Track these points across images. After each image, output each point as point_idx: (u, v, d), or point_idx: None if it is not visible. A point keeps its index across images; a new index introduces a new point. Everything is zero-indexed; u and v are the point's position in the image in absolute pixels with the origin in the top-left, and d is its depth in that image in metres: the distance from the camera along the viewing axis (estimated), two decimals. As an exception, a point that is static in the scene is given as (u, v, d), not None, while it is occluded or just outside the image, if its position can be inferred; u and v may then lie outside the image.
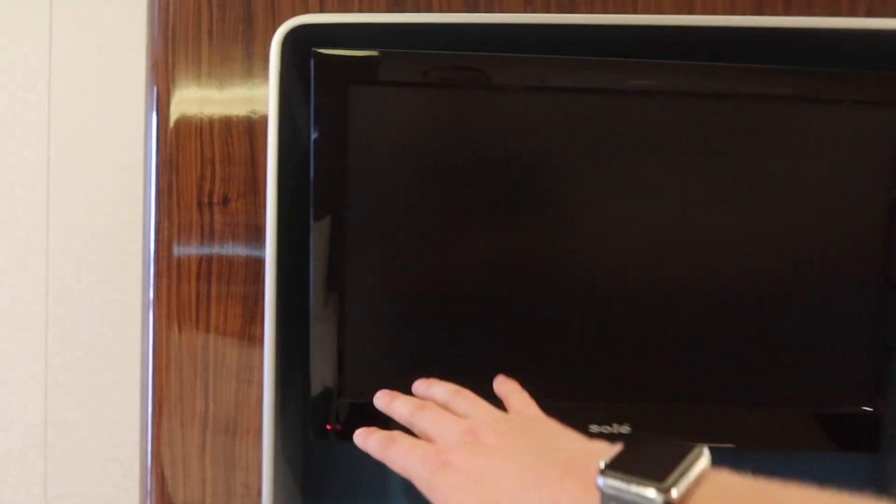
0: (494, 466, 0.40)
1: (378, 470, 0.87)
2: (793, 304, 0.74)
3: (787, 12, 0.72)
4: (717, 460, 0.87)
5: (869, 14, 0.71)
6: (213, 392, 0.75)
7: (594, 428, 0.75)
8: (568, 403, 0.75)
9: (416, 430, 0.52)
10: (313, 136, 0.70)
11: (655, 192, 0.73)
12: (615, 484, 0.32)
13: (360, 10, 0.73)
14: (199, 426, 0.75)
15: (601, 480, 0.32)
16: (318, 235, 0.71)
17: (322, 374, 0.74)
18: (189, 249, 0.75)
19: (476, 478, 0.39)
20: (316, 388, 0.74)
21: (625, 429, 0.74)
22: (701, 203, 0.73)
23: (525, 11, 0.72)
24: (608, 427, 0.75)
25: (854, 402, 0.76)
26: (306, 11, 0.73)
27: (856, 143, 0.72)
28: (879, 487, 0.85)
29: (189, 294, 0.75)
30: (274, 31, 0.72)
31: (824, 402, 0.76)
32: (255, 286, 0.74)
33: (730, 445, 0.75)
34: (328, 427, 0.75)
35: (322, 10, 0.73)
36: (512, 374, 0.75)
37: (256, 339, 0.74)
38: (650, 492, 0.31)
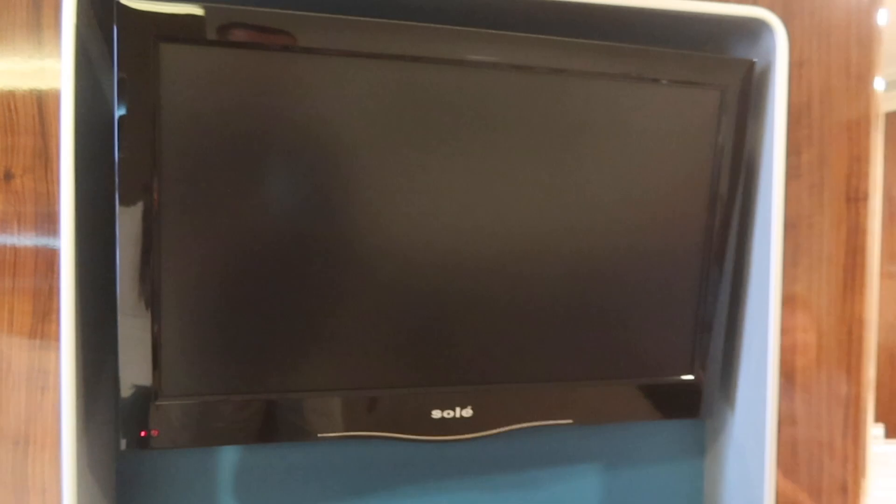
0: None
1: (201, 474, 0.79)
2: (619, 283, 0.76)
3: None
4: (558, 435, 0.89)
5: (690, -1, 0.74)
6: (-3, 403, 0.64)
7: (437, 413, 0.72)
8: (409, 391, 0.72)
9: None
10: (117, 102, 0.61)
11: (480, 170, 0.71)
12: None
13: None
14: (-20, 444, 0.64)
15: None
16: (125, 219, 0.62)
17: (134, 374, 0.65)
18: (-39, 235, 0.63)
19: None
20: (127, 391, 0.65)
21: (467, 412, 0.73)
22: (528, 183, 0.73)
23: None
24: (451, 411, 0.72)
25: (677, 373, 0.80)
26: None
27: (679, 123, 0.75)
28: (700, 450, 0.91)
29: (-38, 288, 0.63)
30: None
31: (651, 374, 0.79)
32: (47, 279, 0.63)
33: (568, 421, 0.76)
34: (143, 434, 0.66)
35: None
36: (345, 366, 0.70)
37: (51, 340, 0.63)
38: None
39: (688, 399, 0.81)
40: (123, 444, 0.66)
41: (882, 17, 0.76)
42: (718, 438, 0.86)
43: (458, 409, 0.72)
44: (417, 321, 0.72)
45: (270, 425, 0.69)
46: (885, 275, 3.30)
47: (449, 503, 0.85)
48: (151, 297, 0.64)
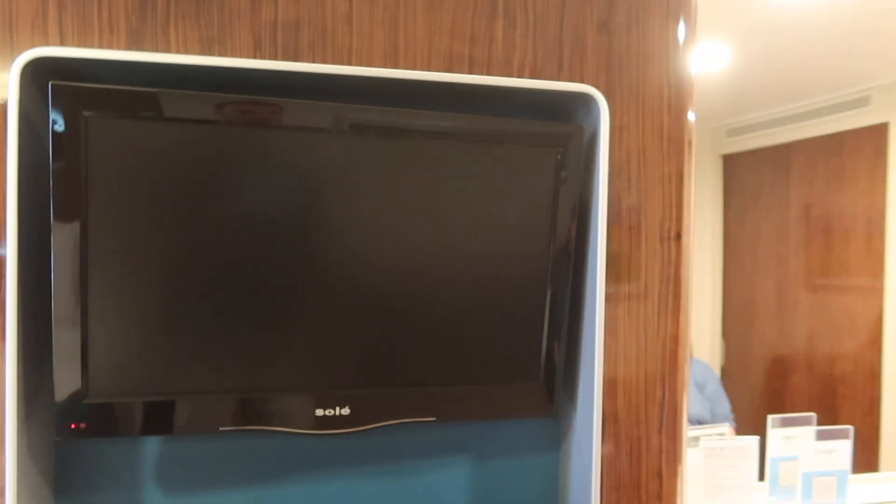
0: None
1: (129, 463, 0.94)
2: (481, 304, 0.93)
3: (471, 71, 0.90)
4: (425, 431, 1.05)
5: (532, 76, 0.91)
6: (-47, 400, 0.79)
7: (320, 412, 0.88)
8: (298, 392, 0.89)
9: None
10: (52, 160, 0.76)
11: (376, 207, 0.88)
12: None
13: (100, 47, 0.80)
14: (-62, 434, 0.79)
15: None
16: (59, 237, 0.78)
17: (66, 375, 0.80)
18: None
19: None
20: (60, 390, 0.81)
21: (345, 410, 0.89)
22: (416, 220, 0.90)
23: (255, 57, 0.83)
24: (332, 410, 0.89)
25: (528, 377, 0.97)
26: (46, 44, 0.79)
27: (524, 176, 0.92)
28: (556, 446, 1.08)
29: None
30: (13, 61, 0.77)
31: (508, 378, 0.96)
32: (-5, 298, 0.78)
33: (432, 419, 0.93)
34: (73, 426, 0.82)
35: (62, 45, 0.79)
36: (245, 369, 0.87)
37: (-2, 349, 0.79)
38: None
39: (537, 399, 0.98)
40: (56, 434, 0.82)
41: (692, 91, 0.94)
42: (567, 435, 1.04)
43: (337, 408, 0.89)
44: (309, 333, 0.88)
45: (178, 420, 0.85)
46: (811, 288, 3.53)
47: (332, 489, 1.01)
48: (80, 313, 0.80)
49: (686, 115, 0.95)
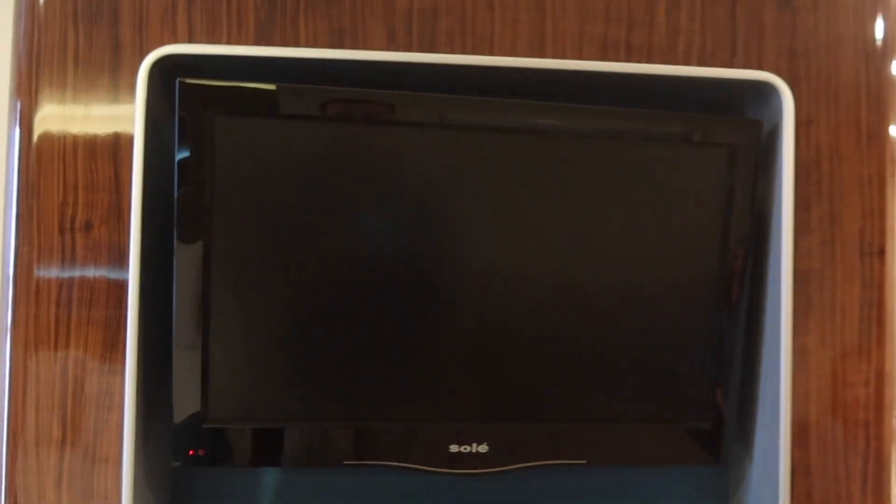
0: None
1: (245, 492, 0.87)
2: (637, 330, 0.80)
3: (628, 59, 0.78)
4: (571, 475, 0.92)
5: (700, 64, 0.79)
6: (72, 419, 0.74)
7: (454, 448, 0.78)
8: (429, 425, 0.78)
9: None
10: (178, 162, 0.71)
11: (519, 221, 0.77)
12: None
13: (229, 42, 0.75)
14: (56, 454, 0.74)
15: None
16: (181, 261, 0.72)
17: (185, 400, 0.74)
18: (49, 273, 0.74)
19: None
20: (179, 415, 0.74)
21: (483, 448, 0.78)
22: (563, 234, 0.78)
23: (388, 49, 0.76)
24: (468, 447, 0.78)
25: (693, 419, 0.82)
26: (174, 41, 0.74)
27: (692, 180, 0.79)
28: (722, 498, 0.92)
29: (48, 319, 0.74)
30: (141, 59, 0.73)
31: (667, 419, 0.82)
32: (116, 311, 0.74)
33: (582, 461, 0.80)
34: (191, 453, 0.75)
35: (190, 41, 0.74)
36: (373, 398, 0.77)
37: (118, 365, 0.74)
38: None
39: (704, 444, 0.83)
40: (174, 460, 0.75)
41: (898, 75, 0.79)
42: (739, 487, 0.87)
43: (474, 445, 0.78)
44: (443, 360, 0.78)
45: (300, 451, 0.77)
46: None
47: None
48: (203, 332, 0.74)
49: (889, 106, 0.79)
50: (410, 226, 0.76)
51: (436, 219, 0.76)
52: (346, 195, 0.74)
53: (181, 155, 0.71)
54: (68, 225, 0.74)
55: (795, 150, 0.77)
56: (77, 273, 0.74)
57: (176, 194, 0.71)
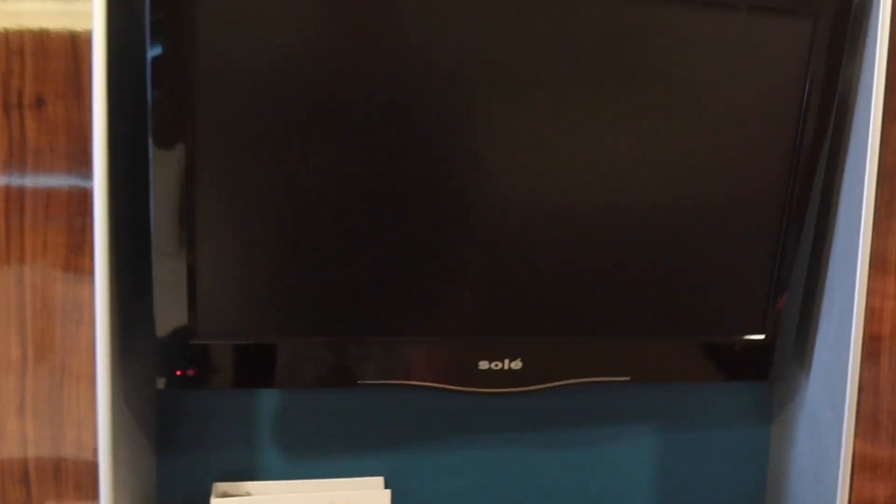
0: None
1: (243, 418, 0.77)
2: (688, 233, 0.70)
3: None
4: (613, 393, 0.84)
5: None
6: (33, 337, 0.62)
7: (483, 364, 0.68)
8: (454, 339, 0.68)
9: None
10: (150, 42, 0.57)
11: (555, 110, 0.65)
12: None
13: None
14: (17, 377, 0.63)
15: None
16: (159, 156, 0.59)
17: (169, 312, 0.63)
18: (-5, 162, 0.60)
19: None
20: (163, 329, 0.63)
21: (517, 364, 0.68)
22: (600, 123, 0.66)
23: None
24: (498, 363, 0.68)
25: (746, 331, 0.73)
26: None
27: (766, 55, 0.67)
28: (766, 416, 0.85)
29: (-3, 217, 0.61)
30: None
31: (718, 331, 0.73)
32: (81, 212, 0.60)
33: (625, 378, 0.71)
34: (179, 373, 0.64)
35: None
36: (389, 310, 0.67)
37: (85, 274, 0.61)
38: None
39: (757, 360, 0.74)
40: (160, 382, 0.64)
41: None
42: (789, 404, 0.80)
43: (506, 361, 0.68)
44: (466, 266, 0.67)
45: (309, 370, 0.66)
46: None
47: (494, 458, 0.81)
48: (187, 235, 0.61)
49: None
50: (429, 115, 0.63)
51: (459, 105, 0.63)
52: (351, 83, 0.61)
53: (155, 28, 0.56)
54: (14, 101, 0.60)
55: (891, 25, 0.65)
56: (29, 165, 0.60)
57: (150, 88, 0.57)
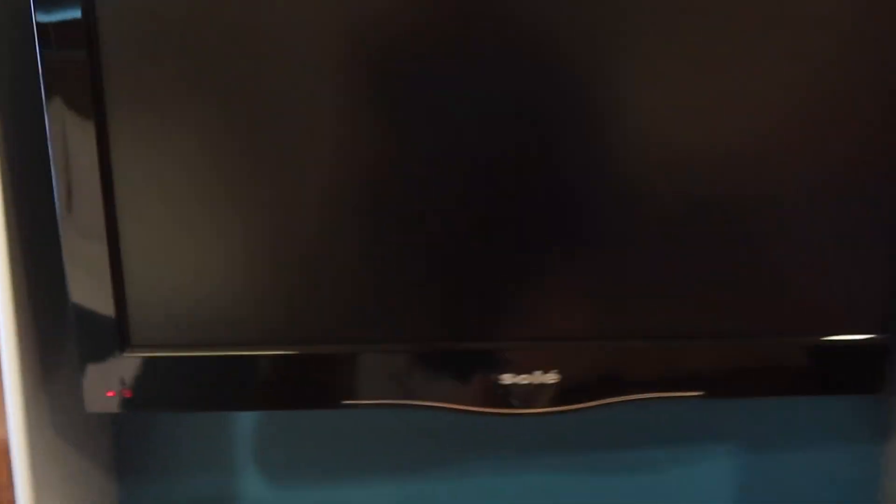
0: None
1: (218, 444, 0.63)
2: (778, 205, 0.51)
3: None
4: (679, 413, 0.67)
5: None
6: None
7: (508, 378, 0.51)
8: (470, 346, 0.52)
9: None
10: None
11: (631, 66, 0.47)
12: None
13: None
14: None
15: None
16: (54, 112, 0.44)
17: (91, 319, 0.48)
18: None
19: None
20: (85, 340, 0.49)
21: (552, 377, 0.52)
22: (687, 81, 0.48)
23: None
24: (528, 375, 0.51)
25: (853, 329, 0.55)
26: None
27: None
28: (876, 434, 0.66)
29: None
30: None
31: (821, 330, 0.55)
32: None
33: (698, 394, 0.54)
34: (111, 394, 0.50)
35: None
36: (377, 309, 0.51)
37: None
38: None
39: (866, 367, 0.56)
40: (89, 404, 0.50)
41: None
42: (912, 420, 0.61)
43: (537, 374, 0.51)
44: (478, 243, 0.50)
45: (279, 387, 0.51)
46: None
47: (525, 485, 0.65)
48: (106, 215, 0.46)
49: None
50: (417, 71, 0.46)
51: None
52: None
53: None
54: None
55: None
56: None
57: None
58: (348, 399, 0.52)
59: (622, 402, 0.53)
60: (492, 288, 0.50)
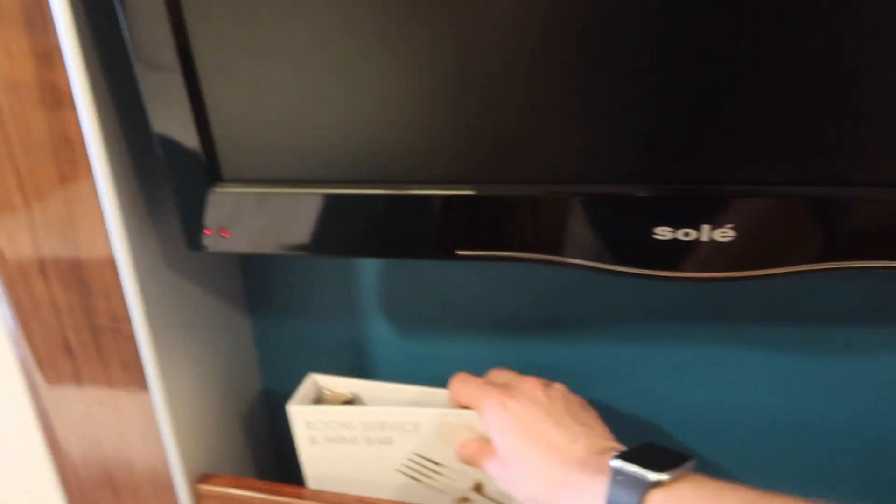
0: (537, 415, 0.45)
1: (344, 289, 0.59)
2: None
3: None
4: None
5: None
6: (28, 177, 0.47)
7: (664, 232, 0.40)
8: (613, 190, 0.40)
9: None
10: None
11: None
12: (623, 465, 0.39)
13: None
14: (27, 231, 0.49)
15: (614, 462, 0.40)
16: None
17: (180, 153, 0.43)
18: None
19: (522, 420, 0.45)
20: (176, 177, 0.44)
21: (723, 234, 0.39)
22: None
23: None
24: (691, 231, 0.39)
25: None
26: None
27: None
28: None
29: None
30: None
31: None
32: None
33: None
34: (207, 232, 0.46)
35: None
36: (499, 144, 0.40)
37: (63, 95, 0.43)
38: (647, 473, 0.38)
39: None
40: (188, 243, 0.47)
41: None
42: None
43: (705, 229, 0.39)
44: (664, 71, 0.37)
45: (391, 232, 0.44)
46: None
47: (691, 357, 0.55)
48: (174, 37, 0.39)
49: None
50: None
51: None
52: None
53: None
54: None
55: None
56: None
57: None
58: (467, 250, 0.43)
59: (811, 271, 0.39)
60: (659, 119, 0.38)
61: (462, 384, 0.49)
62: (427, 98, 0.39)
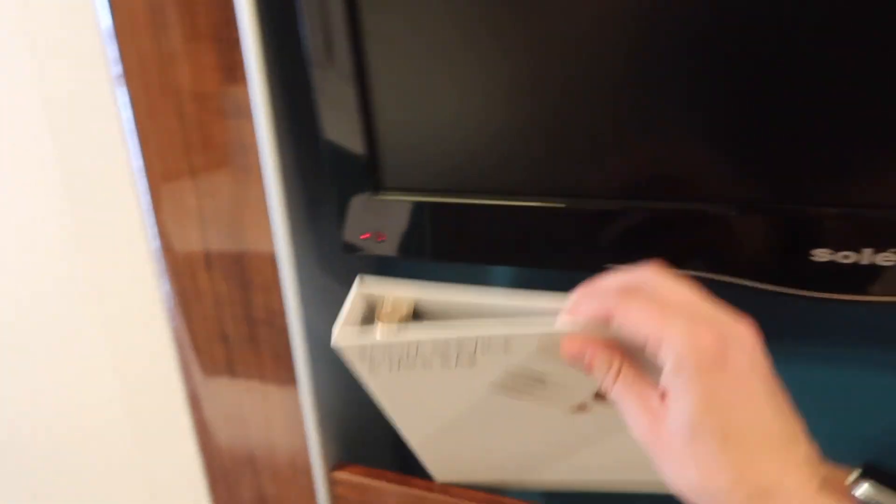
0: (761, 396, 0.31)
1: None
2: None
3: None
4: None
5: None
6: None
7: (822, 254, 0.39)
8: (767, 208, 0.40)
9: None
10: None
11: None
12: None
13: None
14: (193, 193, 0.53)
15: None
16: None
17: (346, 160, 0.46)
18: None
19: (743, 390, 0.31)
20: (341, 182, 0.47)
21: (888, 257, 0.38)
22: None
23: None
24: (852, 254, 0.39)
25: None
26: None
27: None
28: None
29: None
30: None
31: None
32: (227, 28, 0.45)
33: None
34: (364, 237, 0.49)
35: None
36: (657, 160, 0.41)
37: (243, 106, 0.47)
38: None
39: None
40: (343, 248, 0.50)
41: None
42: None
43: (866, 252, 0.39)
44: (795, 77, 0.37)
45: (543, 243, 0.45)
46: None
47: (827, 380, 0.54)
48: (356, 51, 0.42)
49: None
50: None
51: None
52: None
53: None
54: None
55: None
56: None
57: None
58: (610, 262, 0.44)
59: None
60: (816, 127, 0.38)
61: (639, 303, 0.33)
62: (599, 117, 0.40)
